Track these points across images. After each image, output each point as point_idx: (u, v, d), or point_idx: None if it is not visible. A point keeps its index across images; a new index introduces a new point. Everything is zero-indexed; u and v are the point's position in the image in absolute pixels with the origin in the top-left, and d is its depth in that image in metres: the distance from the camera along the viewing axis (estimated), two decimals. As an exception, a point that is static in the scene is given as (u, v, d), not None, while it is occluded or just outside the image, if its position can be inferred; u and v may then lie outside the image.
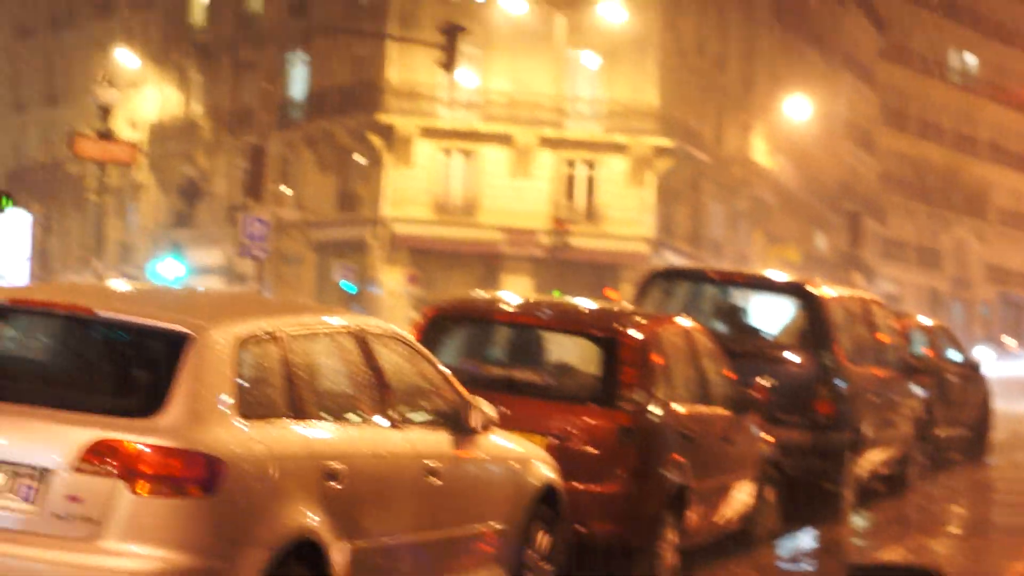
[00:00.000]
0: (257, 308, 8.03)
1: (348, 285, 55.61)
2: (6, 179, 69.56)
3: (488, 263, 58.60)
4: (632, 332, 10.88)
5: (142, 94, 69.17)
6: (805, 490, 14.55)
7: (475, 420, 8.61)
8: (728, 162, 65.70)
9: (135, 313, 7.19)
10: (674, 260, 60.02)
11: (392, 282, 57.85)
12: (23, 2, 78.24)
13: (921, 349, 21.19)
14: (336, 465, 7.31)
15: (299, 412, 7.25)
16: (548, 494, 9.29)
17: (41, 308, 7.39)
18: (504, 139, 58.60)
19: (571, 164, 58.96)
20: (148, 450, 6.57)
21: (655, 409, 10.63)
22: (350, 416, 7.72)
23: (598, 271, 57.27)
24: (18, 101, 77.93)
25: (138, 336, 7.06)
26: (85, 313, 7.18)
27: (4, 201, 34.98)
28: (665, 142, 58.96)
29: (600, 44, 58.63)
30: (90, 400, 6.80)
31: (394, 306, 54.82)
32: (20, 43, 78.09)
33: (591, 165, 59.23)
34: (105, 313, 7.17)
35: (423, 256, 58.38)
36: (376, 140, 58.61)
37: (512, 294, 12.89)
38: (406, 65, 57.89)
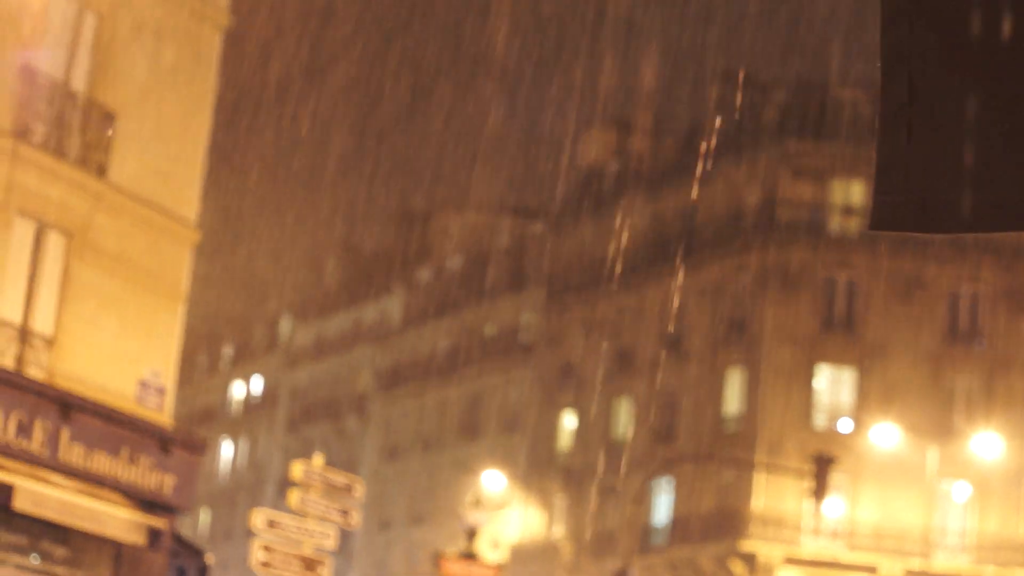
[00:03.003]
0: None
1: None
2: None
3: None
4: None
5: (505, 516, 70.38)
6: None
7: None
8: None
9: None
10: None
11: None
12: (395, 427, 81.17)
13: None
14: None
15: None
16: None
17: None
18: (869, 569, 57.61)
19: (938, 596, 57.58)
20: None
21: None
22: None
23: None
24: (383, 519, 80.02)
25: None
26: None
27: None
28: (1036, 578, 57.31)
29: (972, 475, 57.82)
30: None
31: None
32: (388, 465, 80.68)
33: (958, 598, 57.79)
34: None
35: None
36: (738, 567, 58.27)
37: None
38: (772, 493, 57.91)
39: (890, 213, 3.17)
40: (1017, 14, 3.07)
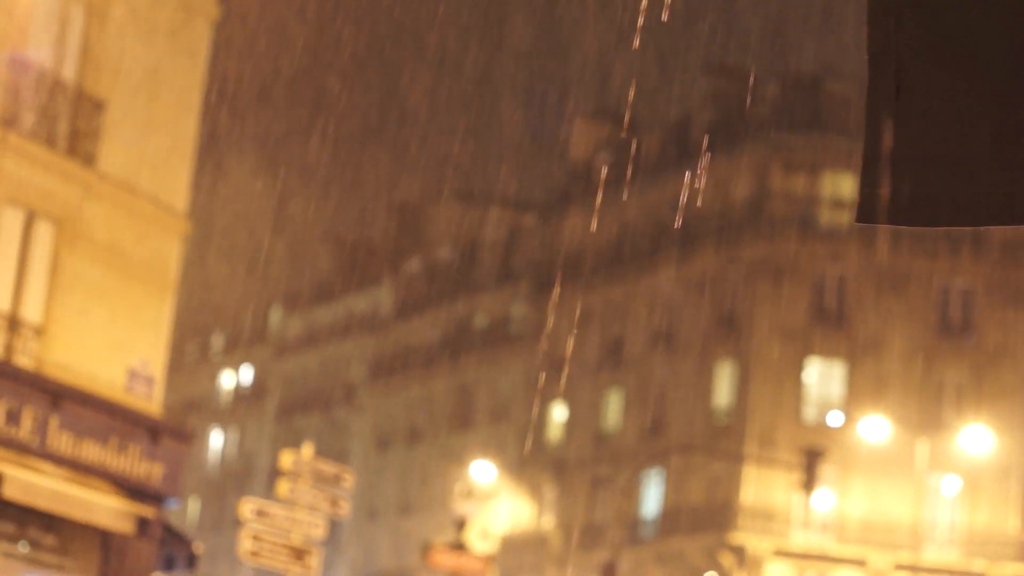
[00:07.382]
0: None
1: None
2: (356, 586, 71.05)
3: None
4: None
5: (495, 506, 70.42)
6: None
7: None
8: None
9: None
10: None
11: None
12: (385, 417, 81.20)
13: None
14: None
15: None
16: None
17: None
18: (858, 563, 57.74)
19: (927, 590, 57.71)
20: None
21: None
22: None
23: None
24: (372, 509, 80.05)
25: None
26: None
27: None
28: (1025, 570, 57.52)
29: (961, 469, 57.96)
30: None
31: None
32: (378, 455, 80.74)
33: (947, 591, 57.94)
34: None
35: None
36: (727, 560, 58.36)
37: None
38: (762, 485, 58.00)
39: (875, 206, 3.16)
40: (1004, 6, 3.07)
